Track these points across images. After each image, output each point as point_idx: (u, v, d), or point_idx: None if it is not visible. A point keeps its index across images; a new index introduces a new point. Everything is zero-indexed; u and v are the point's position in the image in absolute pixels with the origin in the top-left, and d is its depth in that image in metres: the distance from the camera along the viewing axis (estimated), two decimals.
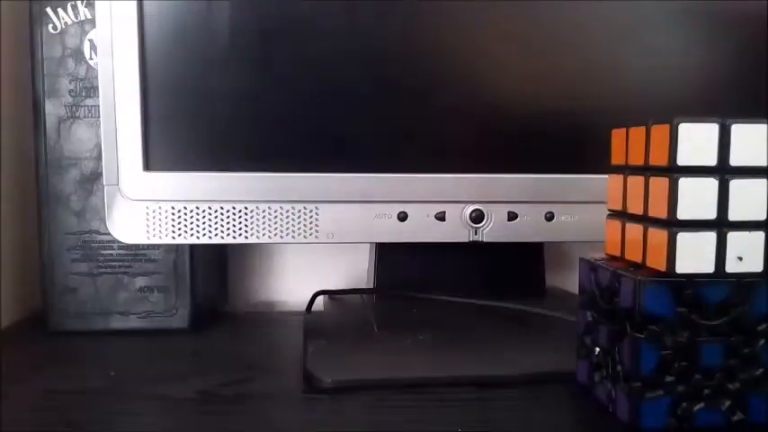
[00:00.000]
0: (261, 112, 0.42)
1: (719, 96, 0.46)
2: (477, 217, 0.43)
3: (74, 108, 0.47)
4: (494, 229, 0.44)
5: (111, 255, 0.48)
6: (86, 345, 0.46)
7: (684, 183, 0.28)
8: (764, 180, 0.29)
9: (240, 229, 0.42)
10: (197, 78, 0.41)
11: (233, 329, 0.52)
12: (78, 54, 0.47)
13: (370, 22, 0.42)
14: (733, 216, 0.29)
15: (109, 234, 0.42)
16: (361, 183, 0.42)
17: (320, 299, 0.54)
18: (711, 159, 0.29)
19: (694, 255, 0.29)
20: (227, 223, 0.42)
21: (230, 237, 0.42)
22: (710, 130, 0.29)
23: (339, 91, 0.42)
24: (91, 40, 0.47)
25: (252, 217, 0.42)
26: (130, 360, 0.43)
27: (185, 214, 0.41)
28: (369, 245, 0.56)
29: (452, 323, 0.46)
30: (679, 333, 0.29)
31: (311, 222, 0.42)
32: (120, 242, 0.42)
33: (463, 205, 0.43)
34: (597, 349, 0.33)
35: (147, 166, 0.41)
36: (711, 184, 0.29)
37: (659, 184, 0.29)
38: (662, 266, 0.29)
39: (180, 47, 0.41)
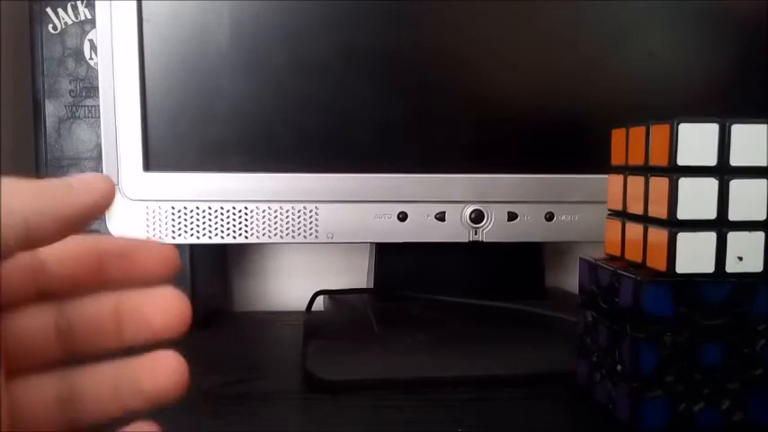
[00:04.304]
0: (260, 113, 0.42)
1: (719, 96, 0.46)
2: (477, 217, 0.43)
3: (74, 108, 0.47)
4: (494, 230, 0.44)
5: None
6: None
7: (684, 183, 0.28)
8: (764, 180, 0.29)
9: (240, 229, 0.42)
10: (197, 78, 0.41)
11: (233, 329, 0.52)
12: (78, 54, 0.47)
13: (370, 23, 0.42)
14: (733, 216, 0.29)
15: (109, 234, 0.42)
16: (361, 183, 0.42)
17: (320, 299, 0.54)
18: (711, 159, 0.29)
19: (694, 255, 0.29)
20: (227, 223, 0.42)
21: (230, 237, 0.42)
22: (710, 130, 0.29)
23: (339, 91, 0.42)
24: (91, 40, 0.47)
25: (252, 217, 0.42)
26: None
27: (185, 214, 0.41)
28: (369, 245, 0.56)
29: (452, 323, 0.46)
30: (679, 333, 0.29)
31: (311, 222, 0.42)
32: None
33: (463, 205, 0.43)
34: (597, 349, 0.33)
35: (147, 166, 0.41)
36: (711, 184, 0.29)
37: (659, 184, 0.29)
38: (662, 266, 0.29)
39: (180, 47, 0.41)
